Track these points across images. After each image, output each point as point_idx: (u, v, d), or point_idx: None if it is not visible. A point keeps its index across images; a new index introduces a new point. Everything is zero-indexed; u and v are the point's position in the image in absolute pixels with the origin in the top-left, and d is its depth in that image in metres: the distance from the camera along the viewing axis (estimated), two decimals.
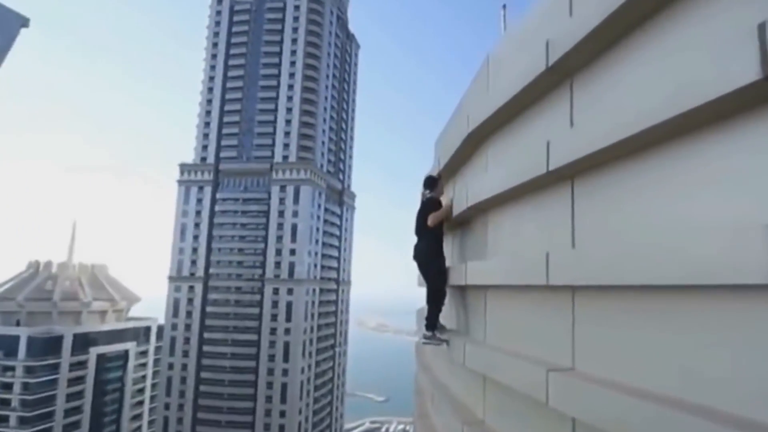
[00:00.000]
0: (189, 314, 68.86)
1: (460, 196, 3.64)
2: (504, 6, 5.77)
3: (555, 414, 2.05)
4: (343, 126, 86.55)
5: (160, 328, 70.70)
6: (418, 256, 3.91)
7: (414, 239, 4.01)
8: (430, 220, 3.73)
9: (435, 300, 3.81)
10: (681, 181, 1.67)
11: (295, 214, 68.99)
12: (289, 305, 66.33)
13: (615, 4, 1.92)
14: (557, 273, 2.13)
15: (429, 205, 3.91)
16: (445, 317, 4.13)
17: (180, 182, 73.29)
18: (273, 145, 71.86)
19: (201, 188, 72.39)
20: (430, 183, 4.08)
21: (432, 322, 3.79)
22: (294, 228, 68.53)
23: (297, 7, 73.90)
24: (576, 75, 2.38)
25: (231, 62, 74.59)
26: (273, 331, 66.02)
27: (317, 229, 73.09)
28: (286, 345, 65.25)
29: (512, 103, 2.83)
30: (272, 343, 65.66)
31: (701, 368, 1.49)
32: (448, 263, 4.07)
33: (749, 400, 1.31)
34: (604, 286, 1.92)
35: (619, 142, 1.84)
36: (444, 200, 4.01)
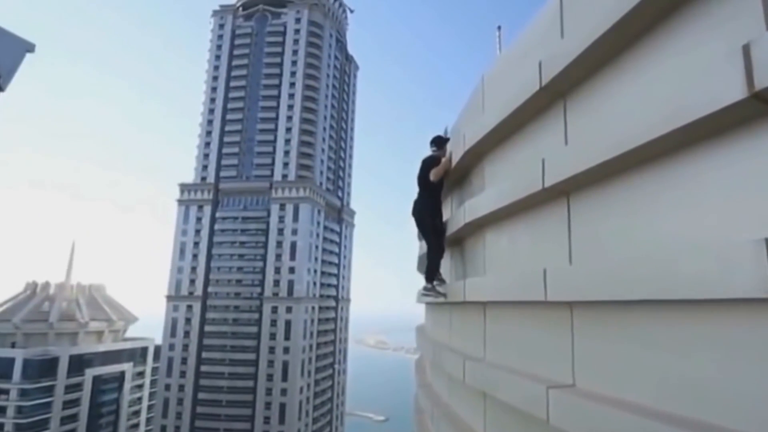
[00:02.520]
0: (187, 334, 68.00)
1: (457, 213, 3.67)
2: (499, 27, 5.94)
3: None
4: (342, 144, 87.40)
5: (157, 349, 69.69)
6: (415, 212, 4.05)
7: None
8: (433, 175, 3.87)
9: (433, 254, 3.92)
10: (674, 196, 1.70)
11: (294, 232, 68.93)
12: (287, 324, 65.63)
13: (604, 26, 1.99)
14: (555, 289, 2.14)
15: (430, 162, 4.03)
16: (444, 332, 4.10)
17: (180, 202, 73.47)
18: (272, 164, 72.39)
19: (201, 207, 72.51)
20: (438, 142, 4.19)
21: (431, 274, 3.91)
22: (293, 246, 68.38)
23: (297, 31, 75.65)
24: (569, 94, 2.44)
25: (232, 84, 75.84)
26: (272, 350, 65.14)
27: (316, 247, 72.94)
28: (285, 364, 64.29)
29: (507, 121, 2.88)
30: (270, 363, 64.71)
31: (700, 383, 1.48)
32: (447, 277, 4.11)
33: (745, 414, 1.31)
34: (602, 302, 1.93)
35: (612, 159, 1.88)
36: (444, 159, 4.08)
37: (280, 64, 75.23)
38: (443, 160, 4.02)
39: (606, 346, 1.96)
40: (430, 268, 3.94)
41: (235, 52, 76.98)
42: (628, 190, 1.93)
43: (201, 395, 65.39)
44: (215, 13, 79.84)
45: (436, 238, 3.93)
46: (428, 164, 4.01)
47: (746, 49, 1.30)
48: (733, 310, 1.37)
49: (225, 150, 74.29)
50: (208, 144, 74.64)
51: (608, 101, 2.14)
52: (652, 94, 1.75)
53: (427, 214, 3.97)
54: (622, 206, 1.97)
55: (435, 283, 3.93)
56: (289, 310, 66.16)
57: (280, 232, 69.38)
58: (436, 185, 3.97)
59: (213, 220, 71.97)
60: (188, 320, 68.56)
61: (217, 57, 77.14)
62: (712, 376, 1.44)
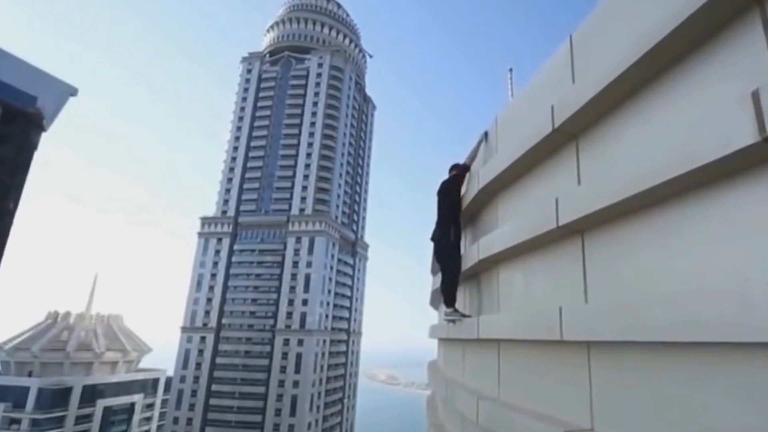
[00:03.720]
0: (198, 366, 67.60)
1: (471, 250, 3.69)
2: (510, 69, 6.15)
3: None
4: (358, 180, 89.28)
5: (169, 380, 69.08)
6: (434, 237, 4.09)
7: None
8: (459, 183, 4.15)
9: (449, 280, 3.89)
10: (688, 236, 1.71)
11: (309, 264, 69.35)
12: (298, 357, 64.83)
13: (614, 73, 2.07)
14: (571, 328, 2.11)
15: (447, 183, 4.18)
16: (457, 369, 4.01)
17: (200, 234, 75.25)
18: (291, 198, 74.22)
19: (219, 240, 74.04)
20: (452, 168, 4.36)
21: (450, 298, 3.86)
22: (307, 278, 68.63)
23: (319, 74, 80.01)
24: (581, 136, 2.51)
25: (256, 123, 79.85)
26: (281, 383, 64.07)
27: (330, 279, 73.01)
28: (294, 398, 62.94)
29: (521, 161, 2.96)
30: (279, 397, 63.45)
31: (721, 429, 1.44)
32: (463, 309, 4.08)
33: None
34: (620, 342, 1.90)
35: (625, 199, 1.90)
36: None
37: (302, 105, 78.98)
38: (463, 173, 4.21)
39: (625, 387, 1.91)
40: (448, 293, 3.90)
41: (261, 94, 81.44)
42: (642, 229, 1.95)
43: (208, 430, 63.99)
44: (244, 59, 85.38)
45: (451, 267, 3.92)
46: (445, 185, 4.16)
47: (756, 95, 1.34)
48: (754, 353, 1.34)
49: (246, 185, 76.93)
50: (230, 179, 77.60)
51: (620, 143, 2.19)
52: (663, 137, 1.80)
53: (443, 236, 3.98)
54: (636, 245, 1.98)
55: (457, 306, 3.89)
56: (300, 342, 65.49)
57: (295, 264, 69.93)
58: (454, 206, 4.06)
59: (231, 252, 73.05)
60: (201, 352, 68.38)
61: (244, 99, 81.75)
62: (734, 422, 1.40)
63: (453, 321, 3.95)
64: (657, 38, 1.82)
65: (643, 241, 1.94)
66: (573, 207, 2.25)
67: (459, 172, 4.22)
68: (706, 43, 1.74)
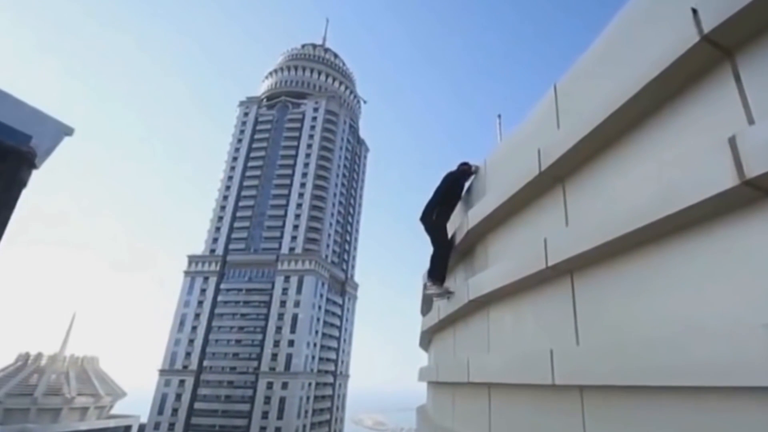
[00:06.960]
0: (175, 412, 63.94)
1: (461, 290, 3.65)
2: (499, 116, 6.40)
3: None
4: (350, 219, 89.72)
5: (142, 427, 64.81)
6: (425, 212, 4.18)
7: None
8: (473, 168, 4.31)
9: (440, 254, 3.94)
10: (675, 277, 1.71)
11: (297, 304, 67.90)
12: (282, 401, 61.83)
13: (597, 119, 2.16)
14: (563, 371, 2.05)
15: (456, 173, 4.33)
16: (446, 415, 3.84)
17: (187, 273, 73.76)
18: (281, 237, 73.93)
19: (206, 279, 72.57)
20: (462, 164, 4.47)
21: (439, 274, 3.84)
22: (294, 318, 66.94)
23: (314, 118, 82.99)
24: (567, 179, 2.56)
25: (250, 164, 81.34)
26: (263, 430, 60.46)
27: (318, 319, 71.30)
28: None
29: (509, 203, 3.00)
30: None
31: None
32: (450, 354, 4.05)
33: None
34: (613, 386, 1.84)
35: (613, 240, 1.92)
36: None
37: (296, 147, 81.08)
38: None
39: None
40: (438, 269, 3.93)
41: (256, 136, 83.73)
42: (632, 270, 1.95)
43: None
44: (241, 103, 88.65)
45: (440, 233, 4.02)
46: (454, 174, 4.31)
47: (732, 141, 1.40)
48: (747, 398, 1.30)
49: (236, 224, 76.76)
50: (221, 218, 77.57)
51: (605, 185, 2.24)
52: (648, 180, 1.84)
53: (432, 214, 4.12)
54: (626, 286, 1.97)
55: (445, 284, 3.89)
56: (284, 386, 62.74)
57: (283, 304, 68.41)
58: (455, 195, 4.24)
59: (217, 291, 71.39)
60: (179, 396, 64.94)
61: (239, 140, 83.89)
62: None
63: (437, 297, 3.98)
64: (638, 86, 1.91)
65: (634, 282, 1.93)
66: (562, 247, 2.26)
67: (466, 169, 4.40)
68: (686, 91, 1.82)
